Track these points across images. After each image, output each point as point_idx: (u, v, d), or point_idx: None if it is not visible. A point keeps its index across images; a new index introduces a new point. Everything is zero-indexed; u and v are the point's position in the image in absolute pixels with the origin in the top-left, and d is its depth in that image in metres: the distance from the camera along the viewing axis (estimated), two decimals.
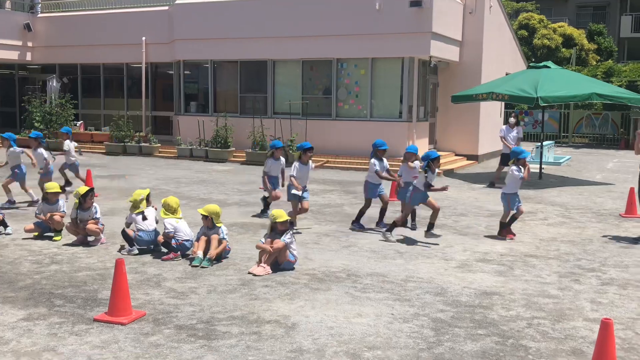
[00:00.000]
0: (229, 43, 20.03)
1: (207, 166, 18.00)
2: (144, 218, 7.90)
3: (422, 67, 18.66)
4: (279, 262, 7.10)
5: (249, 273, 6.93)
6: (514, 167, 9.23)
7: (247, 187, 13.96)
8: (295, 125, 18.88)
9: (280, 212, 7.27)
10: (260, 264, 7.02)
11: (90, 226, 8.12)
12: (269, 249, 7.00)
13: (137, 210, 7.97)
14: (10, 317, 5.50)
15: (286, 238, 7.10)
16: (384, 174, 9.62)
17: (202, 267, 7.15)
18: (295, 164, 9.45)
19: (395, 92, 18.24)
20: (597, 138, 30.33)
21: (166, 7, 21.67)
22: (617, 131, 29.51)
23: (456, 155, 19.95)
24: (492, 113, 21.38)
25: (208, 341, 5.04)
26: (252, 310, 5.77)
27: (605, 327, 4.13)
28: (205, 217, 7.56)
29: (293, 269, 7.13)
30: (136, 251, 7.77)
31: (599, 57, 38.08)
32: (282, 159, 10.55)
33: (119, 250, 7.91)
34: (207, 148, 19.51)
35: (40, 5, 24.60)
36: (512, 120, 15.15)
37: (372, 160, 9.65)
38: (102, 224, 8.43)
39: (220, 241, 7.42)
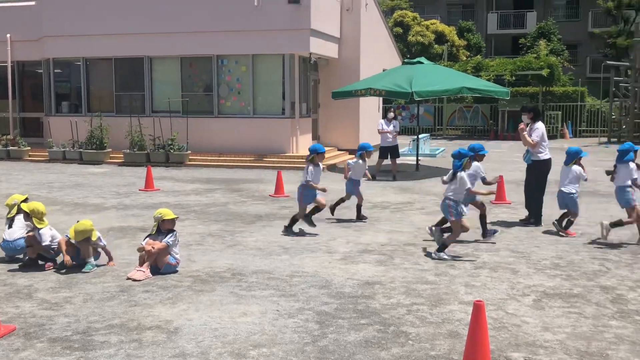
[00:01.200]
0: (102, 39, 19.20)
1: (81, 169, 17.18)
2: (10, 226, 7.40)
3: (303, 64, 18.84)
4: (159, 267, 6.87)
5: (128, 278, 6.67)
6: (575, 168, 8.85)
7: (125, 189, 13.46)
8: (175, 123, 18.43)
9: (166, 211, 7.06)
10: (139, 269, 6.77)
11: None
12: (149, 250, 6.77)
13: (9, 215, 7.44)
14: None
15: (169, 239, 6.90)
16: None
17: (85, 272, 6.86)
18: (310, 168, 8.98)
19: (277, 89, 18.28)
20: (469, 130, 32.04)
21: (33, 2, 20.41)
22: (487, 123, 31.32)
23: (339, 150, 20.33)
24: (371, 108, 21.98)
25: (84, 352, 4.79)
26: (132, 317, 5.56)
27: (478, 309, 4.34)
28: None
29: (176, 271, 6.95)
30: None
31: (468, 53, 40.17)
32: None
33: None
34: (81, 150, 18.63)
35: None
36: (390, 114, 15.63)
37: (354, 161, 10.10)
38: None
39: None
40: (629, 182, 8.34)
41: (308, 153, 9.24)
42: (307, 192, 9.03)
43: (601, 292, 6.24)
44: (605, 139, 28.00)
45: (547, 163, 9.64)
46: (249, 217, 10.29)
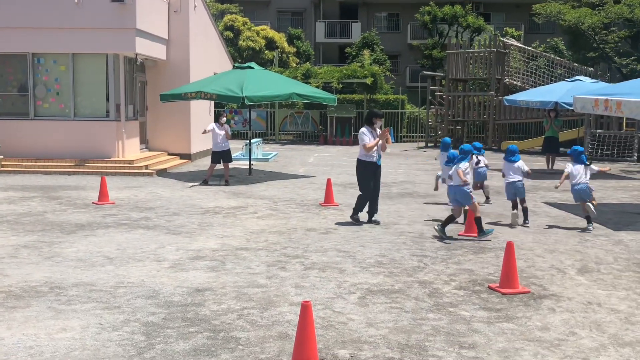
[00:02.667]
0: None
1: None
2: None
3: (129, 65, 18.11)
4: None
5: None
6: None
7: None
8: None
9: None
10: None
11: None
12: None
13: None
14: None
15: None
16: None
17: None
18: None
19: (101, 90, 17.37)
20: (300, 135, 32.82)
21: None
22: (316, 128, 32.28)
23: (169, 154, 19.81)
24: (202, 112, 21.69)
25: None
26: None
27: (305, 309, 4.43)
28: None
29: None
30: None
31: (298, 60, 41.16)
32: None
33: None
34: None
35: None
36: (223, 119, 15.43)
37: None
38: None
39: None
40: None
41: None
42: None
43: (419, 287, 6.67)
44: (423, 144, 30.09)
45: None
46: (69, 227, 9.65)
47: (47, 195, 12.77)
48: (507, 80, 28.50)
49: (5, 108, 17.34)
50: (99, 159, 16.95)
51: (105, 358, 4.70)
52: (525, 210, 10.24)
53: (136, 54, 17.78)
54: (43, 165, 16.79)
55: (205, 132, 15.39)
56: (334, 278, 6.94)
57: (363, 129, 10.00)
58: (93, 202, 11.92)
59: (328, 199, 12.07)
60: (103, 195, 11.96)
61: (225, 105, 29.56)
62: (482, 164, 11.36)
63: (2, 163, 16.62)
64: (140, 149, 19.18)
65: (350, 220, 10.25)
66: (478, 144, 10.92)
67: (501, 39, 29.55)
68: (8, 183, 14.57)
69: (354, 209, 10.25)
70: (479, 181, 11.67)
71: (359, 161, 10.10)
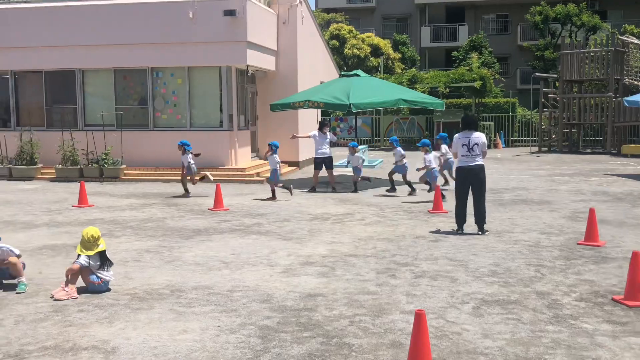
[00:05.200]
0: (31, 52, 18.60)
1: (11, 185, 16.51)
2: None
3: (240, 76, 18.74)
4: (85, 286, 6.67)
5: (51, 297, 6.44)
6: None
7: (57, 205, 13.01)
8: (109, 137, 17.99)
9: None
10: (63, 288, 6.53)
11: None
12: (67, 270, 6.60)
13: None
14: None
15: (81, 260, 6.61)
16: None
17: (19, 293, 6.59)
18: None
19: (214, 101, 18.11)
20: (406, 141, 32.58)
21: None
22: (422, 134, 31.93)
23: None
24: (309, 120, 22.05)
25: None
26: (66, 337, 5.34)
27: (419, 318, 4.38)
28: None
29: (108, 290, 6.72)
30: None
31: (403, 66, 40.96)
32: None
33: None
34: (10, 166, 17.90)
35: None
36: (326, 128, 15.59)
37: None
38: None
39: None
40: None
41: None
42: None
43: (537, 297, 6.41)
44: (536, 148, 28.99)
45: (456, 171, 9.93)
46: (187, 232, 10.11)
47: (166, 202, 13.45)
48: (627, 80, 26.90)
49: (127, 120, 18.45)
50: (213, 167, 17.63)
51: None
52: None
53: (247, 66, 18.38)
54: (162, 173, 17.70)
55: (294, 137, 16.43)
56: (446, 287, 6.81)
57: (456, 135, 9.80)
58: (209, 209, 12.41)
59: (437, 206, 11.89)
60: (218, 201, 12.44)
61: (330, 113, 29.91)
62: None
63: (125, 172, 17.68)
64: (252, 157, 19.78)
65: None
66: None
67: (619, 37, 27.96)
68: (130, 190, 15.48)
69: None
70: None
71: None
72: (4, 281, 6.91)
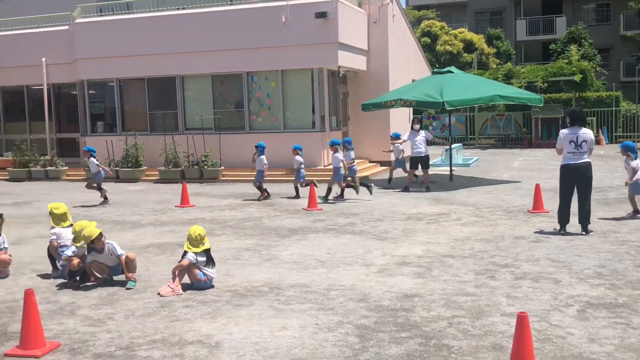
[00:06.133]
0: (134, 60, 19.58)
1: (118, 187, 17.44)
2: None
3: (332, 77, 18.90)
4: (191, 282, 6.96)
5: (158, 294, 6.75)
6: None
7: (161, 206, 13.62)
8: (208, 140, 18.65)
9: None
10: (169, 284, 6.83)
11: (2, 256, 7.67)
12: (174, 267, 6.90)
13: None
14: None
15: (189, 256, 6.90)
16: None
17: (128, 289, 6.96)
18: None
19: (307, 103, 18.37)
20: (502, 138, 31.71)
21: (66, 27, 20.92)
22: (520, 131, 30.96)
23: (370, 162, 20.28)
24: (401, 119, 21.92)
25: None
26: (173, 332, 5.61)
27: (521, 320, 4.28)
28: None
29: (211, 287, 6.98)
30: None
31: (498, 61, 39.87)
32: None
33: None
34: (117, 168, 18.92)
35: None
36: (416, 126, 15.39)
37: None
38: (10, 254, 7.96)
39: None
40: None
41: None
42: None
43: None
44: None
45: (561, 168, 9.48)
46: (283, 231, 10.32)
47: (262, 202, 13.77)
48: None
49: (224, 123, 19.05)
50: (306, 168, 17.86)
51: (323, 357, 4.95)
52: None
53: (339, 67, 18.51)
54: None
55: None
56: (549, 289, 6.59)
57: (563, 131, 9.39)
58: (303, 209, 12.61)
59: (537, 206, 11.50)
60: (312, 202, 12.61)
61: (423, 112, 29.57)
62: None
63: (223, 173, 18.25)
64: None
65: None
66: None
67: None
68: (228, 191, 15.97)
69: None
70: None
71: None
72: (114, 277, 7.32)
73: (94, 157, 13.96)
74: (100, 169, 13.87)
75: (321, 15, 17.50)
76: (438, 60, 37.71)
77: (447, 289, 6.72)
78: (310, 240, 9.50)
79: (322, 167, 17.98)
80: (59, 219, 7.85)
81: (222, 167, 18.31)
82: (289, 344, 5.25)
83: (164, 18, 19.33)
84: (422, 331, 5.45)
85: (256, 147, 14.28)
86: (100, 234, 7.09)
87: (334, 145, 13.82)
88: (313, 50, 17.85)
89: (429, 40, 38.67)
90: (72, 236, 7.35)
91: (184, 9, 19.40)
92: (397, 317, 5.83)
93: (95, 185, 14.05)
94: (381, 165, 20.21)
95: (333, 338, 5.36)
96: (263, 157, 14.20)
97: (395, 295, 6.54)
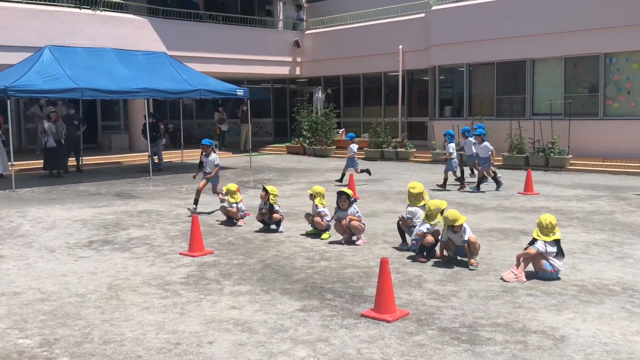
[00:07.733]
0: (484, 45, 19.72)
1: None
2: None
3: None
4: (535, 271, 6.79)
5: (500, 278, 6.74)
6: None
7: (504, 191, 13.54)
8: (556, 126, 17.85)
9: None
10: (513, 270, 6.76)
11: (354, 223, 8.56)
12: (527, 253, 6.76)
13: None
14: (288, 307, 6.06)
15: (538, 245, 6.70)
16: None
17: (471, 270, 7.20)
18: None
19: None
20: None
21: (422, 15, 22.06)
22: None
23: None
24: None
25: (472, 346, 5.00)
26: (516, 318, 5.58)
27: None
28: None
29: (557, 279, 6.73)
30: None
31: None
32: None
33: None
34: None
35: (304, 23, 26.81)
36: None
37: None
38: (364, 224, 8.82)
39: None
40: None
41: None
42: None
43: None
44: None
45: None
46: (639, 228, 9.36)
47: (614, 196, 12.70)
48: None
49: (575, 109, 17.99)
50: None
51: None
52: None
53: None
54: (610, 165, 16.75)
55: None
56: None
57: None
58: None
59: None
60: None
61: None
62: None
63: (571, 162, 17.30)
64: None
65: None
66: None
67: None
68: (576, 181, 15.10)
69: None
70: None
71: None
72: (458, 257, 7.56)
73: (453, 143, 14.24)
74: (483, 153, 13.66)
75: None
76: None
77: None
78: None
79: None
80: (415, 198, 8.33)
81: (570, 156, 17.35)
82: None
83: (515, 1, 18.98)
84: None
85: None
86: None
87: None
88: None
89: None
90: (423, 214, 7.82)
91: None
92: None
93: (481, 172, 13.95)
94: None
95: None
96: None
97: None
